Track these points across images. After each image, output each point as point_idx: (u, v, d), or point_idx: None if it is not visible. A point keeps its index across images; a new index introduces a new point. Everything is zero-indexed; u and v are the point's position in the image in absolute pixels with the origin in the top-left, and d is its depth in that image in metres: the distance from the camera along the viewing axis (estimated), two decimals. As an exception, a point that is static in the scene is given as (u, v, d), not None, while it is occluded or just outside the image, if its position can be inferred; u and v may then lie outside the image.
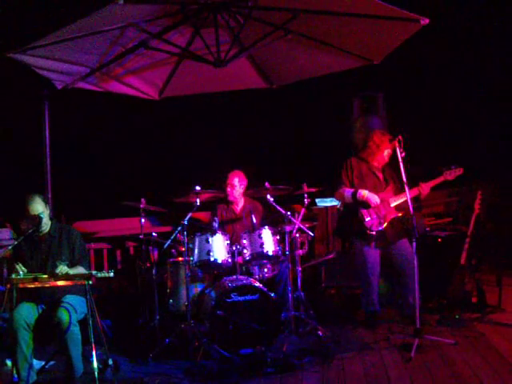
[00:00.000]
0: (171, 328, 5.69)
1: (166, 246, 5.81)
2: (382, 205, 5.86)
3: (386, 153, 6.00)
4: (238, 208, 6.40)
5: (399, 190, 5.91)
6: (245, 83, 6.73)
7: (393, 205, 5.89)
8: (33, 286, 4.59)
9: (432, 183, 5.88)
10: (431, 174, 5.93)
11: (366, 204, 5.84)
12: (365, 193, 5.83)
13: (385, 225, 5.82)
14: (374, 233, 5.84)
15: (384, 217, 5.84)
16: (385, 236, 5.91)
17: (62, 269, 4.64)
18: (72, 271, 4.70)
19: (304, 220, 5.99)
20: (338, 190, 6.02)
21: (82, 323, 4.73)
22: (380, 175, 6.06)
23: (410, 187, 5.49)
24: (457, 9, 8.30)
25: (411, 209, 5.27)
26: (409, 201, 5.29)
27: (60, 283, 4.61)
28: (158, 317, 5.79)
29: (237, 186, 6.29)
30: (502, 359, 4.84)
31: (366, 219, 5.83)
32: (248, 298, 5.28)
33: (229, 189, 6.29)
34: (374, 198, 5.83)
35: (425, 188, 5.84)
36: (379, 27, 5.17)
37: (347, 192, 5.92)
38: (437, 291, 6.50)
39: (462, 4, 8.32)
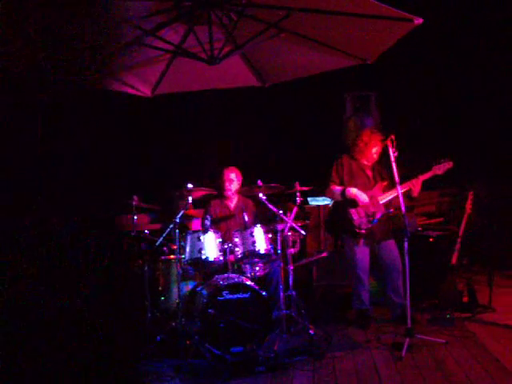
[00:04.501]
0: (162, 326, 5.68)
1: (157, 243, 5.79)
2: (370, 202, 5.87)
3: (375, 150, 5.99)
4: (231, 204, 6.39)
5: (388, 188, 5.93)
6: (238, 81, 6.73)
7: (382, 202, 5.91)
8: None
9: (421, 178, 5.86)
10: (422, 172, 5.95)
11: (354, 202, 5.86)
12: (354, 191, 5.85)
13: (374, 222, 5.82)
14: (363, 231, 5.86)
15: (373, 214, 5.86)
16: (373, 234, 5.93)
17: None
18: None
19: (296, 218, 5.99)
20: (327, 187, 6.05)
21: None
22: (369, 173, 6.08)
23: (401, 183, 5.50)
24: (450, 8, 8.32)
25: (403, 207, 5.28)
26: (401, 199, 5.29)
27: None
28: (149, 314, 5.78)
29: (234, 180, 6.29)
30: (492, 358, 4.86)
31: (355, 218, 5.86)
32: (239, 296, 5.27)
33: (227, 183, 6.28)
34: (363, 196, 5.85)
35: (415, 183, 5.84)
36: (373, 26, 5.18)
37: (337, 190, 5.95)
38: (428, 291, 6.52)
39: (455, 3, 8.34)
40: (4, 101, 5.66)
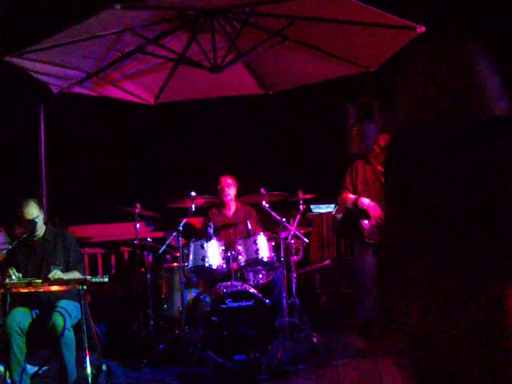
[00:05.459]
0: (165, 334, 5.68)
1: (160, 251, 5.79)
2: (383, 213, 5.77)
3: None
4: (230, 212, 6.38)
5: None
6: (241, 89, 6.74)
7: None
8: (27, 290, 4.57)
9: None
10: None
11: (366, 213, 5.79)
12: (366, 202, 5.74)
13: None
14: (372, 241, 5.80)
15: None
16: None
17: (55, 273, 4.62)
18: (66, 276, 4.68)
19: (299, 226, 5.99)
20: (341, 194, 5.95)
21: (76, 328, 4.70)
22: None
23: None
24: (451, 16, 8.34)
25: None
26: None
27: (54, 288, 4.59)
28: (152, 322, 5.78)
29: (232, 185, 6.29)
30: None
31: (366, 228, 5.78)
32: (243, 304, 5.26)
33: (226, 189, 6.26)
34: (375, 209, 5.75)
35: None
36: (375, 35, 5.19)
37: (350, 199, 5.84)
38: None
39: (457, 11, 8.35)
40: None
